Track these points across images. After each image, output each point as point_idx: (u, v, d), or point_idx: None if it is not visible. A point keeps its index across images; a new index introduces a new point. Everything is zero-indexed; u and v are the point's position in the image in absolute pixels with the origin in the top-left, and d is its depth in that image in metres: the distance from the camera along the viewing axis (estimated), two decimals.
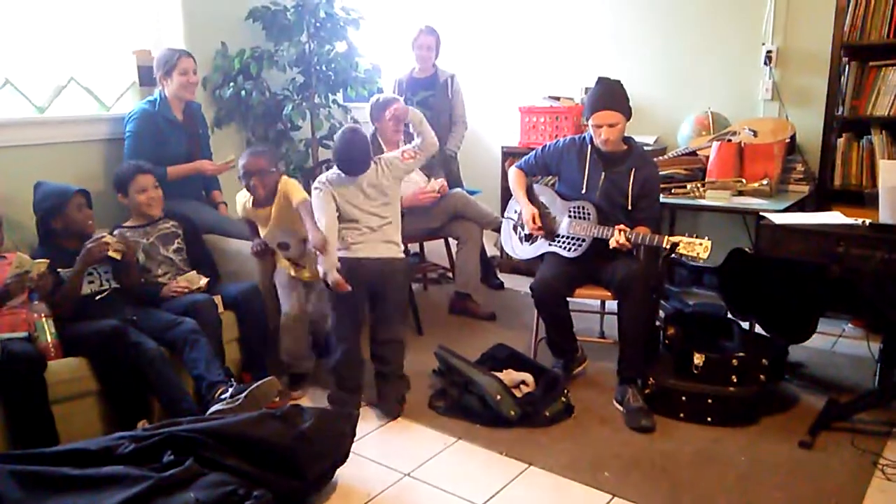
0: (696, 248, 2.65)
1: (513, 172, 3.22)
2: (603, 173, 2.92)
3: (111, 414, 2.47)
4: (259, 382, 2.42)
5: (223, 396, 2.40)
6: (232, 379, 2.54)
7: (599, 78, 2.92)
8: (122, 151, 3.22)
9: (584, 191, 2.95)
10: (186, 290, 2.82)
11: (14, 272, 2.37)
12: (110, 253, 2.61)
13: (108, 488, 1.90)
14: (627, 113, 2.87)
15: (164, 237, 2.93)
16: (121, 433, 2.16)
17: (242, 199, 3.02)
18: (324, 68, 3.78)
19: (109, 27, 3.38)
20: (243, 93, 3.58)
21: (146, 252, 2.89)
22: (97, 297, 2.68)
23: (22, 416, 2.24)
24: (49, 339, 2.42)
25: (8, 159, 2.94)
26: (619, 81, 2.90)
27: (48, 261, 2.47)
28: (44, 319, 2.42)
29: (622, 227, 2.79)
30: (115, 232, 2.88)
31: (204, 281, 2.86)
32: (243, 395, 2.38)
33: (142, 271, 2.84)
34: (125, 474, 1.93)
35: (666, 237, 2.71)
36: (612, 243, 2.76)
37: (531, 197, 3.14)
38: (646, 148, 3.33)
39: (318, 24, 3.73)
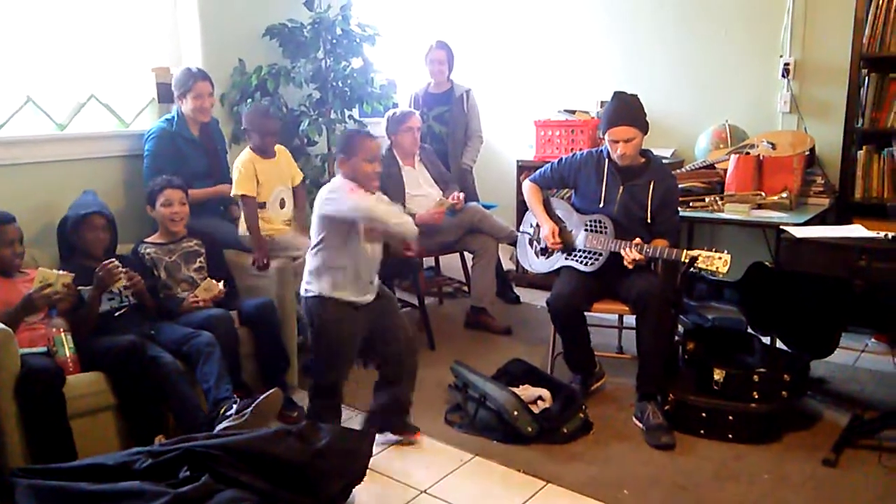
0: (716, 262, 2.62)
1: (527, 186, 3.21)
2: (621, 187, 2.91)
3: (128, 429, 2.47)
4: (264, 395, 2.42)
5: (228, 413, 2.40)
6: (240, 396, 2.53)
7: (615, 92, 2.92)
8: (141, 168, 3.26)
9: (601, 205, 2.93)
10: (209, 303, 2.81)
11: (37, 286, 2.39)
12: (122, 283, 2.60)
13: (125, 503, 1.90)
14: (644, 127, 2.86)
15: (186, 256, 2.95)
16: (138, 448, 2.16)
17: (248, 157, 3.12)
18: (340, 84, 3.80)
19: (129, 45, 3.42)
20: None
21: (168, 270, 2.90)
22: (115, 314, 2.69)
23: (41, 431, 2.24)
24: (68, 353, 2.43)
25: (30, 176, 2.97)
26: (635, 96, 2.89)
27: (73, 274, 2.48)
28: (62, 334, 2.43)
29: (638, 240, 2.77)
30: (139, 247, 2.90)
31: (221, 285, 2.84)
32: (249, 409, 2.37)
33: (162, 288, 2.86)
34: (142, 490, 1.92)
35: (685, 251, 2.69)
36: (627, 261, 2.74)
37: (548, 211, 3.13)
38: (663, 161, 3.31)
39: (334, 41, 3.76)
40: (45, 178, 3.01)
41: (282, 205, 3.25)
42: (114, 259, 2.60)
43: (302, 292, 2.54)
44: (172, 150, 3.16)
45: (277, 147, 3.27)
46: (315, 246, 2.46)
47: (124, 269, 2.59)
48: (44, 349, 2.43)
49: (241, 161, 3.13)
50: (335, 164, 2.57)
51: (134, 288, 2.66)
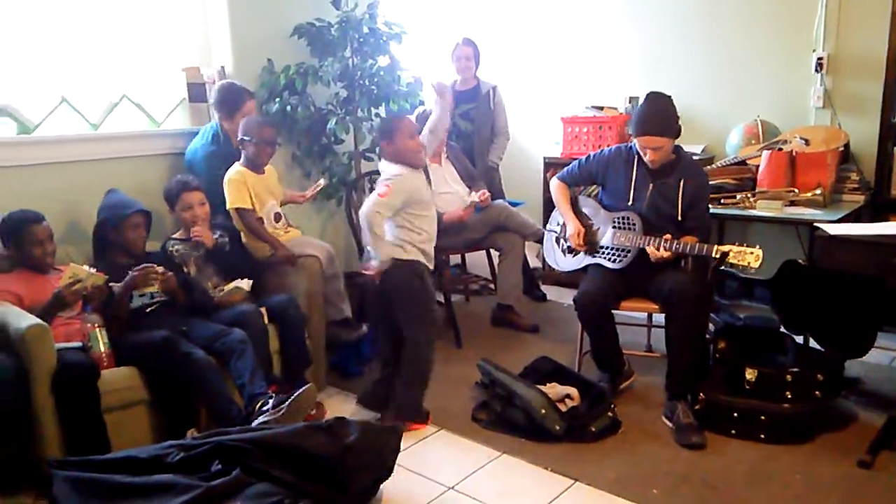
0: (747, 257, 2.58)
1: (555, 184, 3.19)
2: (651, 184, 2.88)
3: (161, 423, 2.52)
4: (300, 391, 2.45)
5: (265, 408, 2.43)
6: (275, 390, 2.56)
7: (648, 94, 2.83)
8: (172, 165, 3.31)
9: (630, 202, 2.90)
10: (238, 300, 2.85)
11: (67, 282, 2.44)
12: (154, 287, 2.67)
13: (158, 496, 1.94)
14: (675, 134, 2.79)
15: (214, 249, 2.98)
16: (170, 442, 2.20)
17: (238, 170, 3.09)
18: (367, 83, 3.81)
19: (160, 45, 3.47)
20: (289, 108, 3.63)
21: (197, 265, 2.94)
22: (147, 310, 2.74)
23: (76, 424, 2.29)
24: (102, 348, 2.47)
25: (64, 175, 3.03)
26: (668, 100, 2.80)
27: (106, 276, 2.53)
28: (97, 330, 2.48)
29: (668, 236, 2.74)
30: (167, 244, 2.94)
31: (246, 286, 2.87)
32: (286, 404, 2.40)
33: (195, 285, 2.88)
34: (175, 483, 1.96)
35: (715, 247, 2.65)
36: (653, 258, 2.72)
37: (575, 209, 3.11)
38: (693, 157, 3.27)
39: (361, 40, 3.77)
40: (80, 177, 3.07)
41: (276, 218, 3.24)
42: (154, 265, 2.64)
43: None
44: (227, 170, 3.16)
45: (266, 167, 3.24)
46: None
47: (160, 272, 2.63)
48: (79, 344, 2.47)
49: (231, 177, 3.08)
50: (380, 150, 2.85)
51: (166, 287, 2.69)
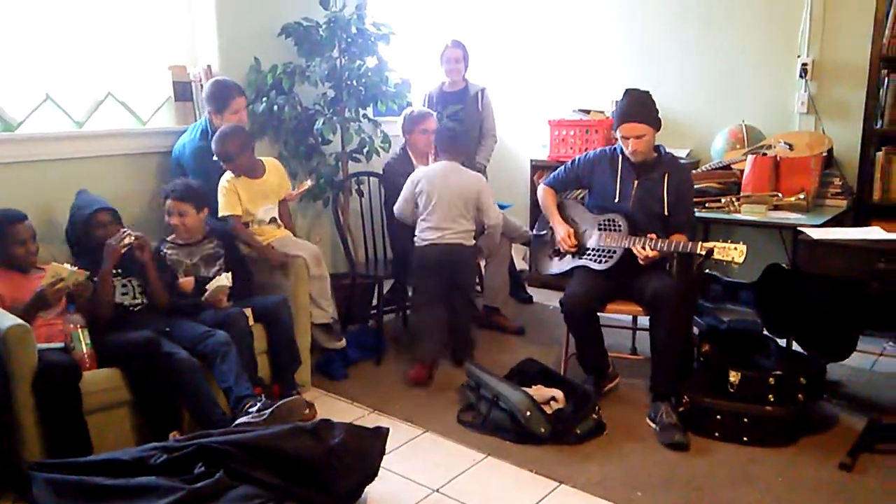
0: (732, 252, 2.61)
1: (542, 190, 3.21)
2: (636, 181, 2.90)
3: (144, 425, 2.49)
4: (285, 400, 2.44)
5: (250, 410, 2.42)
6: (258, 393, 2.55)
7: (627, 89, 2.92)
8: (157, 164, 3.28)
9: (616, 200, 2.93)
10: (223, 297, 2.83)
11: (49, 281, 2.42)
12: (128, 241, 2.64)
13: (140, 498, 1.93)
14: (656, 124, 2.85)
15: (207, 258, 2.96)
16: (153, 444, 2.18)
17: (229, 178, 3.09)
18: (354, 83, 3.80)
19: (145, 43, 3.44)
20: (275, 108, 3.61)
21: (187, 273, 2.90)
22: (131, 309, 2.71)
23: (57, 426, 2.27)
24: (84, 349, 2.45)
25: (48, 173, 3.00)
26: (647, 92, 2.88)
27: (87, 272, 2.50)
28: (79, 330, 2.45)
29: (653, 235, 2.76)
30: (161, 247, 2.91)
31: (227, 276, 2.85)
32: (269, 410, 2.39)
33: (173, 290, 2.86)
34: (157, 485, 1.95)
35: (700, 243, 2.68)
36: (640, 258, 2.73)
37: (562, 214, 3.12)
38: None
39: (349, 40, 3.76)
40: (64, 175, 3.03)
41: (271, 222, 3.23)
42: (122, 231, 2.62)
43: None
44: (217, 166, 3.12)
45: (270, 163, 3.23)
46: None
47: (126, 233, 2.61)
48: (61, 345, 2.45)
49: (224, 183, 3.08)
50: (443, 154, 3.41)
51: (140, 242, 2.66)
